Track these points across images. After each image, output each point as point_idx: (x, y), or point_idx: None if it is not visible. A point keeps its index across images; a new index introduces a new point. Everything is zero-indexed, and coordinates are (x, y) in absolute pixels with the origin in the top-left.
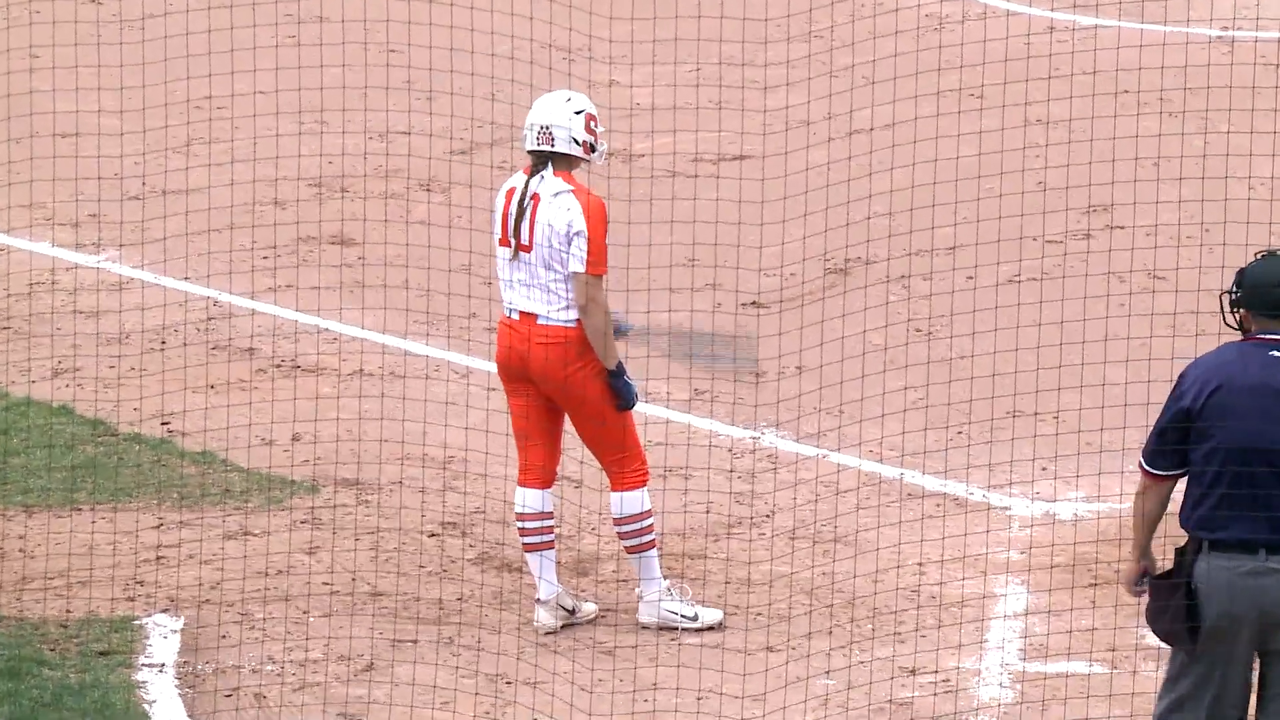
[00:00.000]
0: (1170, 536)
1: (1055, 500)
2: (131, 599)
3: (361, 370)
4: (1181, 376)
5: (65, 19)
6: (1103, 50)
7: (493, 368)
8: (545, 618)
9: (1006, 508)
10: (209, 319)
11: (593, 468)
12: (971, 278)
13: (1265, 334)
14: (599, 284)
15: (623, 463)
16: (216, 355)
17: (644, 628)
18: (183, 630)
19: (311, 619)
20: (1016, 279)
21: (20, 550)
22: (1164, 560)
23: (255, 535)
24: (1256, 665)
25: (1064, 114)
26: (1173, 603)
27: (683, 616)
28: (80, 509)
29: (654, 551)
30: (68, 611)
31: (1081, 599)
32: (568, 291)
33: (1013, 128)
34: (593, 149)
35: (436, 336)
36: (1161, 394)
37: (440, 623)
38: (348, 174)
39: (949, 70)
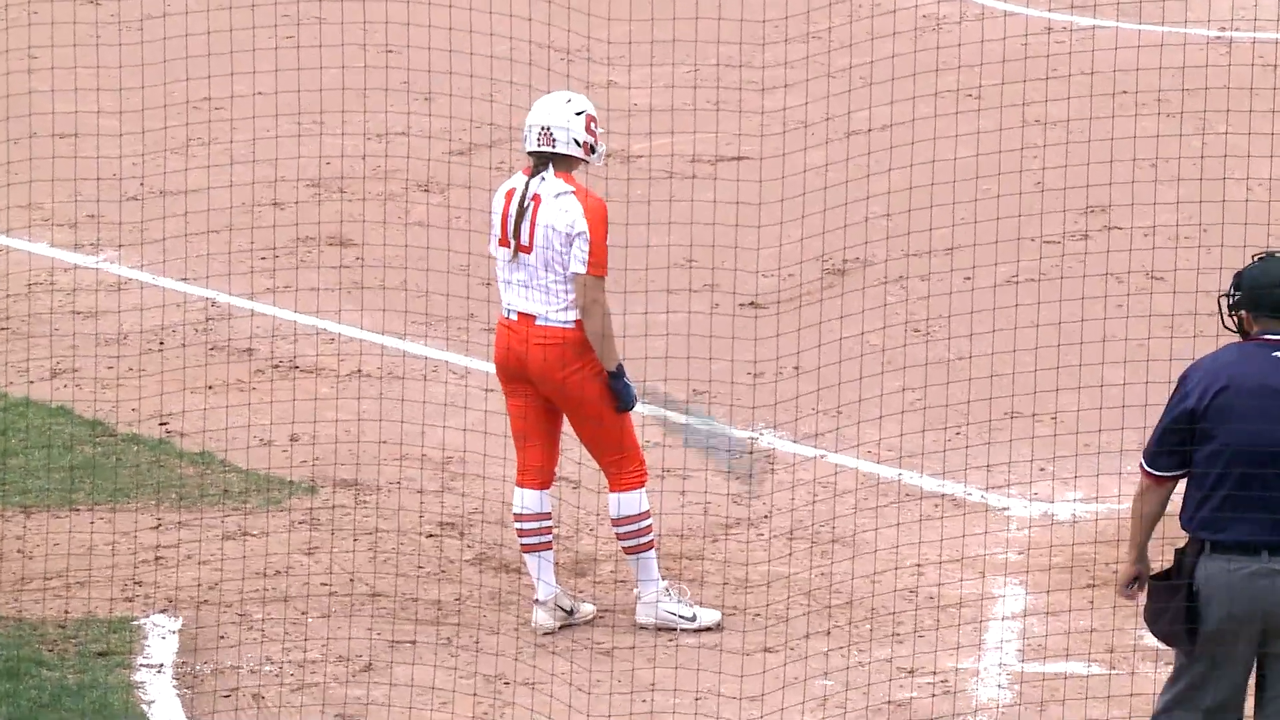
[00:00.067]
0: (1168, 538)
1: (1053, 501)
2: (130, 599)
3: (360, 371)
4: (1184, 378)
5: (64, 20)
6: (1100, 51)
7: (491, 368)
8: (543, 618)
9: (1005, 508)
10: (207, 320)
11: (590, 468)
12: (970, 278)
13: (1268, 334)
14: (600, 285)
15: (621, 464)
16: (215, 356)
17: (642, 628)
18: (181, 631)
19: (310, 619)
20: (1014, 280)
21: (19, 551)
22: (1161, 561)
23: (254, 536)
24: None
25: (1062, 115)
26: (1173, 604)
27: (681, 617)
28: (79, 509)
29: (652, 552)
30: (66, 612)
31: (1080, 600)
32: (567, 292)
33: (1011, 128)
34: (593, 150)
35: (435, 337)
36: (1160, 395)
37: (438, 623)
38: (346, 175)
39: (947, 71)
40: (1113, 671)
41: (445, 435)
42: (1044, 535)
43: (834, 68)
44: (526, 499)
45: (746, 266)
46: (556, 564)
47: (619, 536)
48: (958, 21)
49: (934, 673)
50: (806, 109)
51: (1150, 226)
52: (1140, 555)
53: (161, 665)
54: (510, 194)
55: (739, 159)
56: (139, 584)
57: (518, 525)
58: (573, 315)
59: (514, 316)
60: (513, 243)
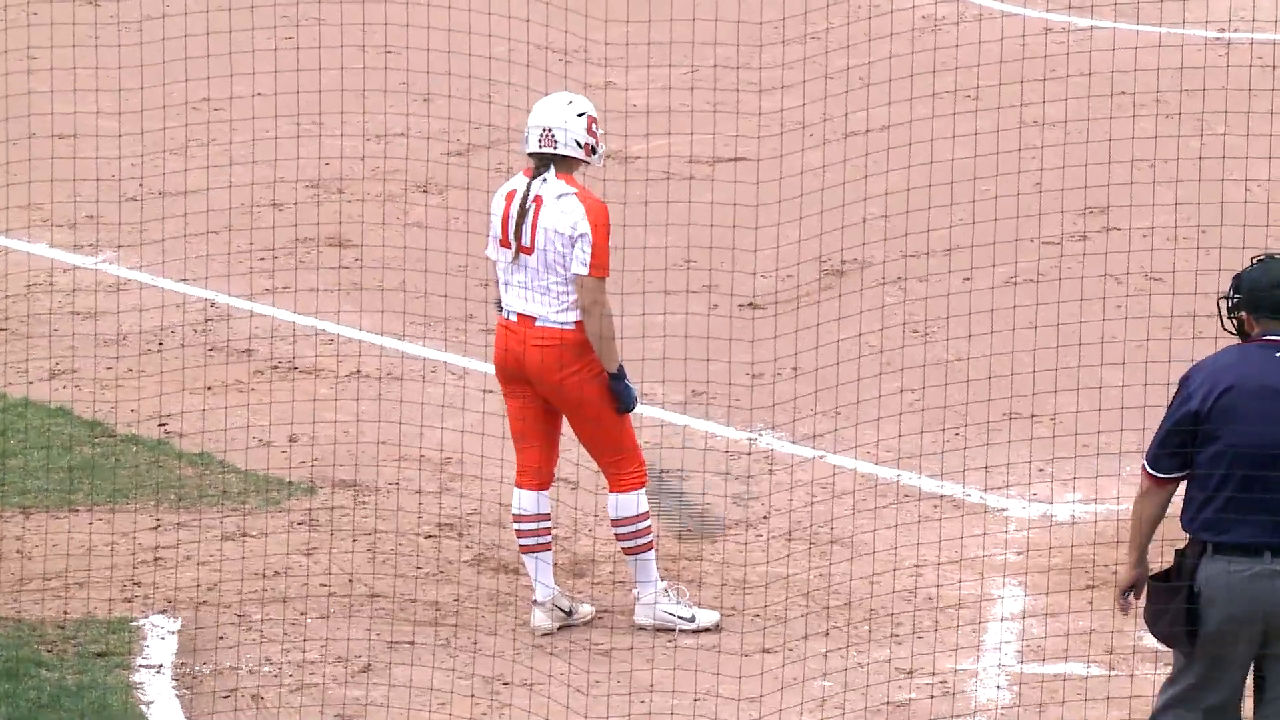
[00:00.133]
0: (1167, 539)
1: (1052, 502)
2: (129, 600)
3: (359, 372)
4: (1186, 379)
5: (63, 21)
6: (1099, 52)
7: (489, 369)
8: (542, 619)
9: (1004, 509)
10: (206, 320)
11: (588, 469)
12: (968, 280)
13: (1269, 335)
14: (602, 286)
15: (620, 464)
16: (214, 356)
17: (641, 629)
18: (180, 631)
19: (309, 620)
20: (1013, 281)
21: (18, 551)
22: (1161, 562)
23: (253, 536)
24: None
25: (1060, 116)
26: (1173, 606)
27: (680, 618)
28: (78, 510)
29: (651, 553)
30: (65, 613)
31: (1079, 601)
32: (568, 294)
33: (1009, 129)
34: (594, 151)
35: (433, 338)
36: (1159, 396)
37: (437, 624)
38: (345, 176)
39: (945, 72)
40: (1112, 673)
41: (444, 436)
42: (1043, 536)
43: (832, 69)
44: (525, 500)
45: (745, 267)
46: (555, 565)
47: (618, 537)
48: (956, 22)
49: (933, 674)
50: (804, 110)
51: (1149, 228)
52: (1140, 559)
53: (160, 666)
54: (511, 195)
55: (737, 160)
56: (138, 585)
57: (516, 526)
58: (572, 317)
59: (513, 318)
60: (514, 244)
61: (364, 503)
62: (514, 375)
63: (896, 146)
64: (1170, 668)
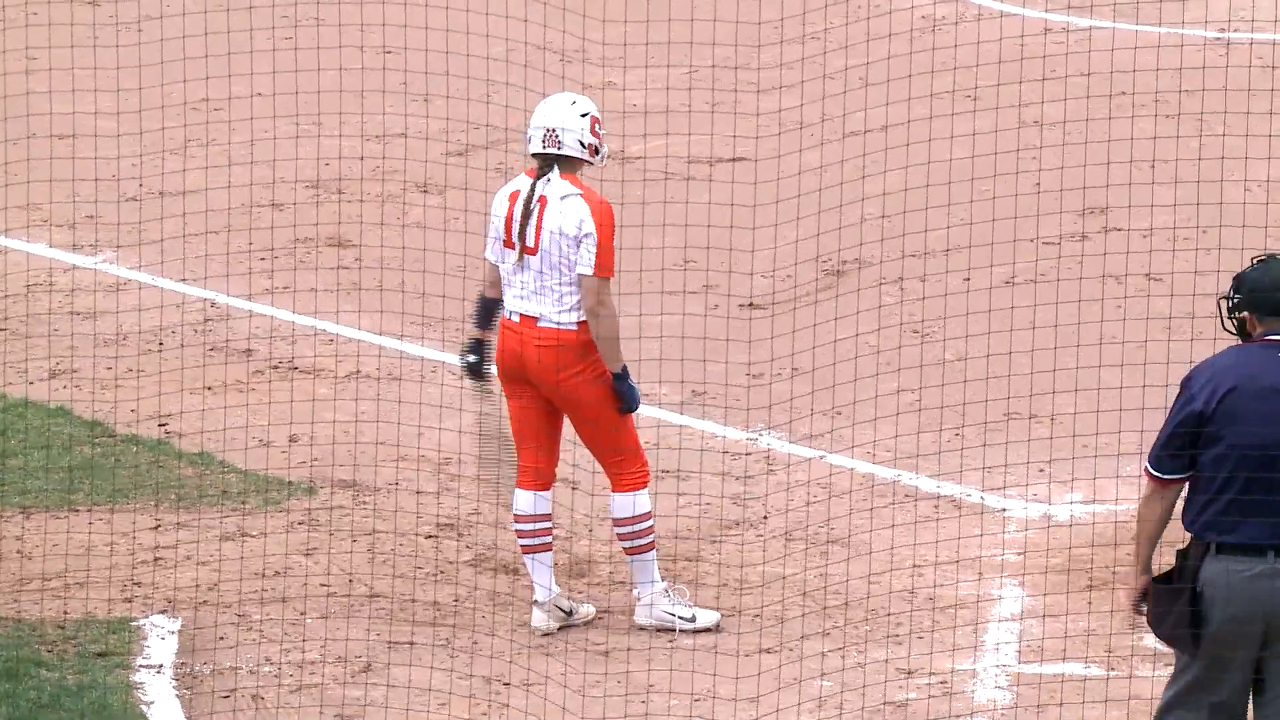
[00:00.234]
0: (1166, 540)
1: (1051, 502)
2: (129, 600)
3: (358, 372)
4: (1188, 380)
5: (62, 21)
6: (1098, 52)
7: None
8: (542, 620)
9: (1003, 510)
10: (206, 320)
11: (588, 470)
12: (967, 280)
13: (1272, 335)
14: (607, 287)
15: (622, 465)
16: (214, 356)
17: (641, 630)
18: (180, 631)
19: (309, 620)
20: (1012, 281)
21: (18, 551)
22: (1161, 563)
23: (253, 536)
24: None
25: (1060, 116)
26: (1176, 607)
27: (680, 618)
28: (78, 510)
29: (653, 553)
30: (65, 613)
31: (1078, 601)
32: (572, 294)
33: (1008, 130)
34: (597, 151)
35: (433, 338)
36: (1158, 397)
37: (437, 624)
38: (344, 176)
39: (944, 72)
40: (1111, 673)
41: (443, 436)
42: (1042, 537)
43: (831, 69)
44: (526, 501)
45: (744, 268)
46: (555, 565)
47: (620, 537)
48: (955, 22)
49: (932, 674)
50: (803, 110)
51: (1148, 228)
52: (1146, 565)
53: (161, 666)
54: (514, 196)
55: (736, 160)
56: (138, 585)
57: (517, 527)
58: (575, 317)
59: (515, 318)
60: (517, 245)
61: (364, 503)
62: (515, 376)
63: (895, 147)
64: (1172, 668)
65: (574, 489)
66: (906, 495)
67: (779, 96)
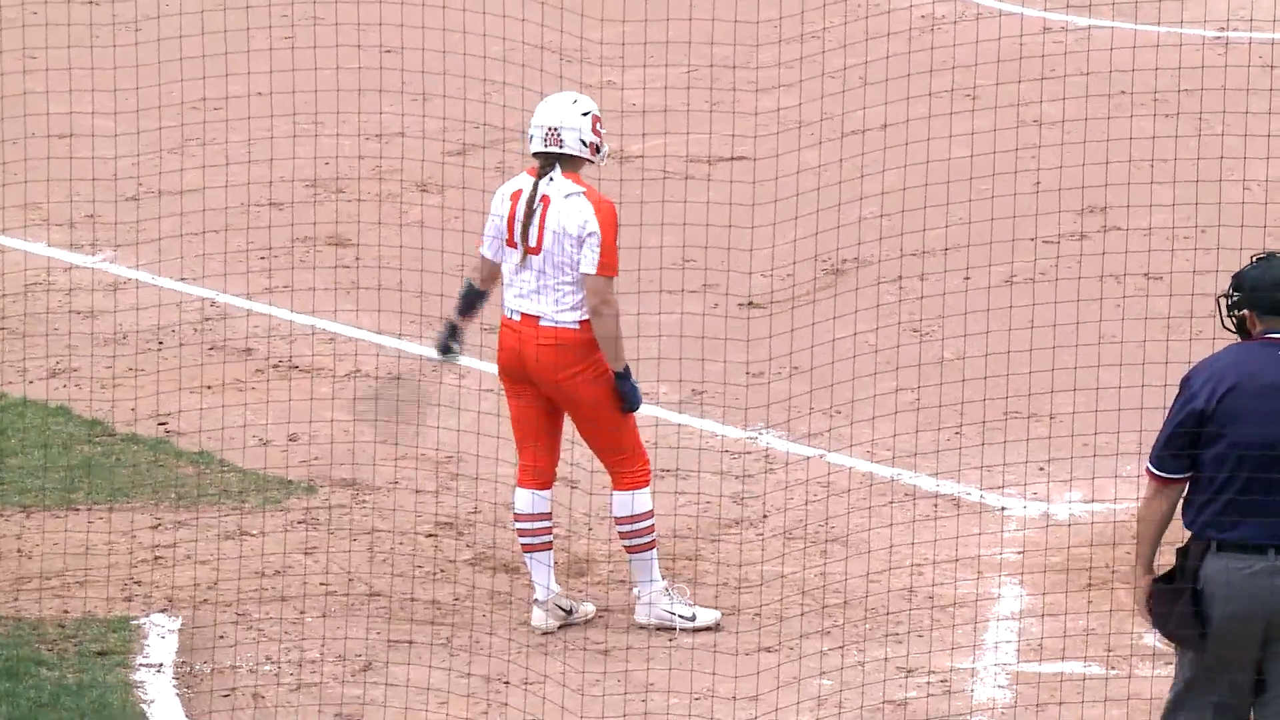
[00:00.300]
0: (1166, 539)
1: (1051, 501)
2: (129, 599)
3: (358, 371)
4: (1188, 379)
5: (60, 21)
6: (1097, 51)
7: (488, 368)
8: (542, 618)
9: (1002, 508)
10: (206, 319)
11: (588, 470)
12: (967, 279)
13: (1272, 334)
14: (611, 286)
15: (623, 464)
16: (213, 356)
17: (641, 628)
18: (180, 630)
19: (308, 619)
20: (1012, 280)
21: (18, 550)
22: (1161, 563)
23: (252, 535)
24: None
25: (1059, 115)
26: (1178, 607)
27: (680, 617)
28: (77, 509)
29: (653, 552)
30: (65, 611)
31: (1077, 600)
32: (574, 293)
33: (1007, 129)
34: (598, 150)
35: (432, 338)
36: (1157, 396)
37: (437, 623)
38: (343, 175)
39: (943, 71)
40: (1110, 672)
41: (442, 435)
42: (1041, 536)
43: (830, 68)
44: (526, 500)
45: (743, 267)
46: (556, 564)
47: (621, 535)
48: (954, 21)
49: (931, 672)
50: (802, 109)
51: (1147, 228)
52: (1148, 565)
53: (161, 665)
54: (516, 195)
55: (735, 159)
56: (138, 583)
57: (518, 525)
58: (577, 316)
59: (517, 318)
60: (520, 245)
61: (363, 502)
62: (517, 375)
63: (895, 146)
64: (1171, 667)
65: (573, 488)
66: (906, 494)
67: (778, 95)
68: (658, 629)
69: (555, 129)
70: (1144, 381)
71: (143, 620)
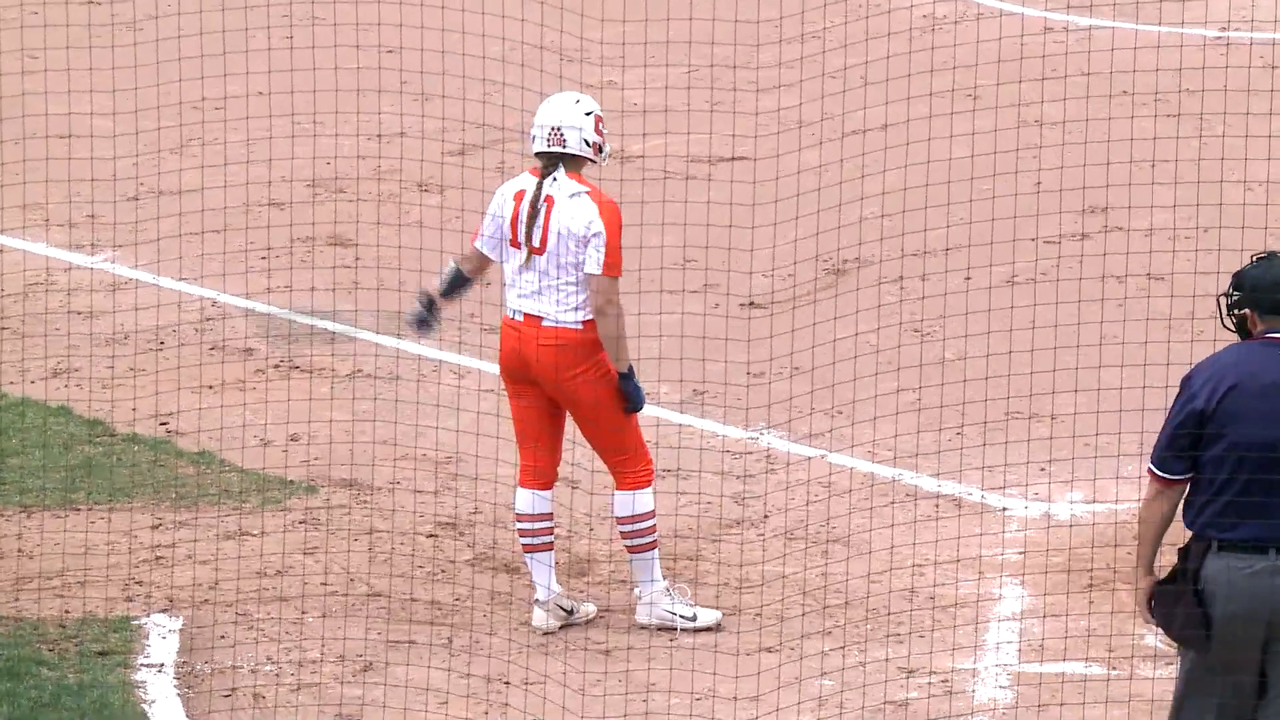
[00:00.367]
0: (1167, 541)
1: (1052, 501)
2: (130, 599)
3: (359, 371)
4: (1188, 379)
5: (59, 21)
6: (1098, 51)
7: (489, 368)
8: (544, 619)
9: (1004, 509)
10: (206, 319)
11: (589, 470)
12: (968, 279)
13: (1273, 333)
14: (615, 286)
15: (625, 464)
16: (214, 355)
17: (642, 628)
18: (181, 630)
19: (309, 619)
20: (1013, 281)
21: (18, 550)
22: (1162, 564)
23: (253, 535)
24: None
25: (1060, 115)
26: (1180, 608)
27: (681, 617)
28: (78, 509)
29: (655, 552)
30: (66, 612)
31: (1079, 600)
32: (578, 293)
33: (1008, 129)
34: (601, 150)
35: (433, 337)
36: (1158, 397)
37: (437, 624)
38: (344, 175)
39: (944, 71)
40: (1112, 672)
41: (444, 436)
42: (1043, 536)
43: (831, 68)
44: (527, 500)
45: (744, 267)
46: (557, 564)
47: (623, 535)
48: (955, 21)
49: (933, 673)
50: (802, 109)
51: (1149, 228)
52: (1149, 566)
53: (162, 665)
54: (519, 195)
55: (736, 159)
56: (139, 583)
57: (519, 526)
58: (580, 316)
59: (520, 318)
60: (524, 245)
61: (364, 502)
62: (519, 375)
63: (895, 146)
64: (1172, 667)
65: (574, 488)
66: (907, 494)
67: (778, 95)
68: (659, 629)
69: (558, 129)
70: (1145, 382)
71: (143, 620)
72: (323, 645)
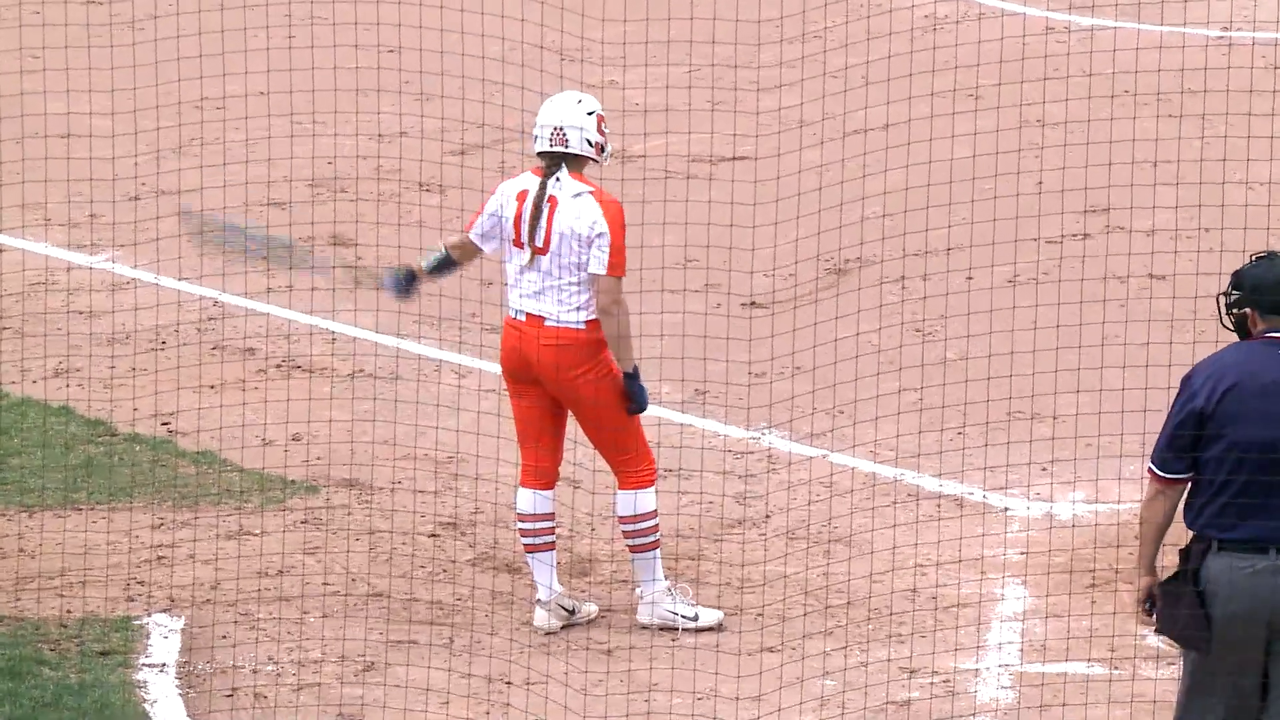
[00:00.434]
0: (1167, 541)
1: (1054, 501)
2: (131, 599)
3: (360, 370)
4: (1188, 378)
5: (59, 21)
6: (1100, 51)
7: (490, 368)
8: (545, 619)
9: (1005, 509)
10: (207, 319)
11: (590, 470)
12: (970, 279)
13: (1273, 333)
14: (620, 286)
15: (628, 463)
16: (215, 355)
17: (644, 628)
18: (183, 630)
19: (311, 619)
20: (1014, 280)
21: (20, 550)
22: (1161, 564)
23: (254, 535)
24: None
25: (1061, 115)
26: (1182, 607)
27: (683, 617)
28: (80, 509)
29: (656, 552)
30: (67, 611)
31: (1080, 600)
32: (581, 294)
33: (1010, 129)
34: (603, 150)
35: (434, 337)
36: (1160, 397)
37: (439, 624)
38: (345, 175)
39: (946, 71)
40: (1114, 672)
41: (445, 436)
42: (1045, 536)
43: (832, 67)
44: (529, 500)
45: (745, 266)
46: (558, 564)
47: (625, 535)
48: (956, 21)
49: (935, 673)
50: (804, 109)
51: (1151, 228)
52: (1150, 566)
53: (163, 664)
54: (522, 195)
55: (737, 159)
56: (141, 583)
57: (520, 525)
58: (583, 317)
59: (522, 318)
60: (528, 245)
61: (366, 502)
62: (521, 375)
63: (897, 145)
64: (1174, 667)
65: (576, 488)
66: (909, 494)
67: (779, 95)
68: (660, 629)
69: (560, 129)
70: (1147, 382)
71: (145, 620)
72: (324, 645)
